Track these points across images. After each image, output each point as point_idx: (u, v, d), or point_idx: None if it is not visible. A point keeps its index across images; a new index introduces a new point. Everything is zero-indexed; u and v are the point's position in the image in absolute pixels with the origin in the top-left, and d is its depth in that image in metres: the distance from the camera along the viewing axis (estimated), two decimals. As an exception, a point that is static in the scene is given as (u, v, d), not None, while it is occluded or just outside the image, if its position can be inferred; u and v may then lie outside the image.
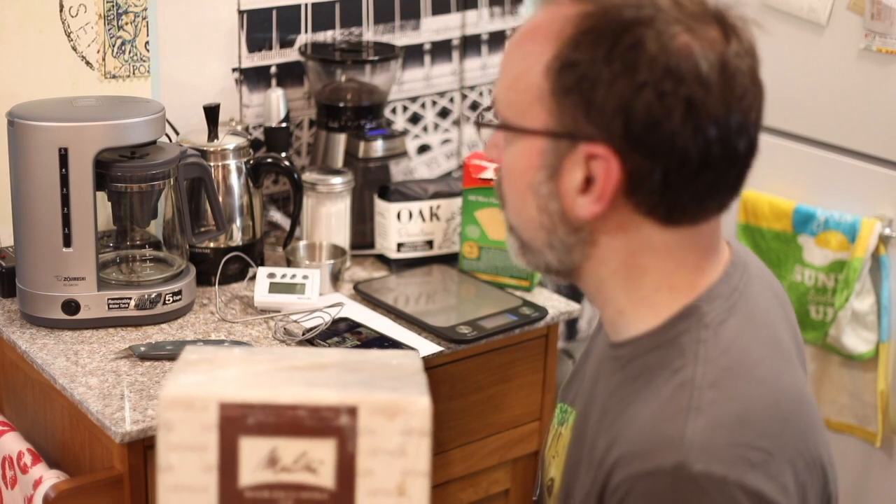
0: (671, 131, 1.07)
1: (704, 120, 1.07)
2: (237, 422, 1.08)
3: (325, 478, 1.09)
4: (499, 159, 1.18)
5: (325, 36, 2.30)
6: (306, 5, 2.27)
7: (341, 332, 1.87)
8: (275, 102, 2.18)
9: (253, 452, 1.09)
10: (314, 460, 1.09)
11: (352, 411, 1.08)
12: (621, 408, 1.14)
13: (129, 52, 2.06)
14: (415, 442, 1.09)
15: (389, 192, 2.14)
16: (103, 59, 2.04)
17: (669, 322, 1.14)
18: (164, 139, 1.91)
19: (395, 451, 1.09)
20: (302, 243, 2.11)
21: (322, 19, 2.29)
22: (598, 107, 1.08)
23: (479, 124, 1.20)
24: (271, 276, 1.97)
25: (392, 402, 1.09)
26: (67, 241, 1.78)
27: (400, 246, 2.15)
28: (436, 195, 2.18)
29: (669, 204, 1.10)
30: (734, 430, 1.07)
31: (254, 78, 2.23)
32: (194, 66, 2.16)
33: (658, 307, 1.15)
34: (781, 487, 1.07)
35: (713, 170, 1.09)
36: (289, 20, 2.25)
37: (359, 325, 1.90)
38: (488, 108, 1.20)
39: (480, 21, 2.51)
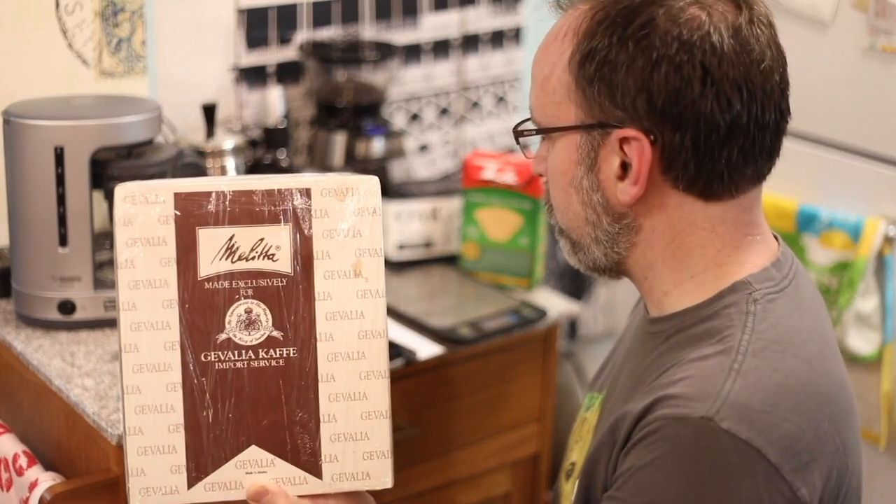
0: (692, 100, 1.10)
1: (724, 84, 1.11)
2: (193, 212, 1.12)
3: (283, 263, 1.13)
4: (546, 170, 1.22)
5: (324, 33, 2.29)
6: (305, 3, 2.25)
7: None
8: (273, 101, 2.17)
9: (211, 242, 1.12)
10: (271, 246, 1.13)
11: (305, 193, 1.13)
12: (663, 370, 1.15)
13: (126, 50, 2.05)
14: (367, 221, 1.14)
15: (389, 192, 2.13)
16: (99, 58, 2.03)
17: (718, 295, 1.16)
18: (161, 138, 1.90)
19: (349, 232, 1.14)
20: (301, 243, 2.10)
21: (321, 17, 2.28)
22: (620, 90, 1.12)
23: (518, 133, 1.23)
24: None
25: (343, 183, 1.14)
26: (63, 241, 1.77)
27: (400, 246, 2.14)
28: (436, 195, 2.17)
29: (706, 175, 1.13)
30: (771, 398, 1.08)
31: (252, 76, 2.22)
32: (192, 65, 2.15)
33: (706, 284, 1.17)
34: (801, 467, 1.08)
35: (743, 135, 1.13)
36: (287, 18, 2.24)
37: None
38: (525, 120, 1.23)
39: (480, 19, 2.50)
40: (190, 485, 1.13)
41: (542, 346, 2.06)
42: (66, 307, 1.79)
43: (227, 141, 2.04)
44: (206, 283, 1.12)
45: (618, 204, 1.16)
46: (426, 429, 1.92)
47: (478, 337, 1.92)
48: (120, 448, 1.57)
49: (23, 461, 1.69)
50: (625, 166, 1.14)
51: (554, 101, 1.16)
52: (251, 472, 1.13)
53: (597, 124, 1.14)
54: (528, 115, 1.23)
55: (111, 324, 1.81)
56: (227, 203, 1.12)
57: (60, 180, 1.75)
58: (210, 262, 1.12)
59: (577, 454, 1.31)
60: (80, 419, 1.63)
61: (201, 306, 1.12)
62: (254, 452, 1.14)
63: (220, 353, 1.13)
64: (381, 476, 1.16)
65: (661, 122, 1.11)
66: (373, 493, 1.20)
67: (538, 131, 1.20)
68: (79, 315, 1.80)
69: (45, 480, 1.63)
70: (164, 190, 1.12)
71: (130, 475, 1.12)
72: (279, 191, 1.13)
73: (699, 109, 1.11)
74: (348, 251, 1.15)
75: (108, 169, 1.79)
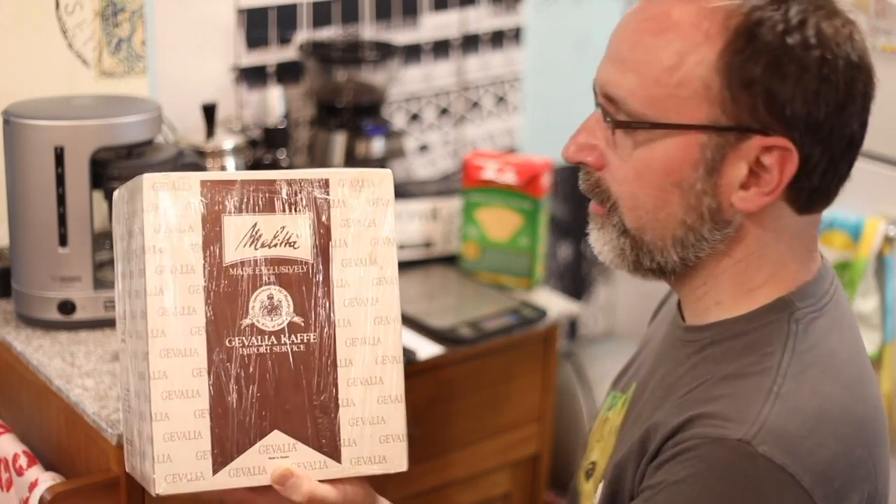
0: (848, 117, 1.10)
1: (868, 103, 1.13)
2: (218, 200, 1.15)
3: (304, 251, 1.17)
4: (597, 162, 1.15)
5: (324, 33, 2.29)
6: (305, 3, 2.25)
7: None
8: (273, 101, 2.17)
9: (235, 230, 1.15)
10: (292, 234, 1.17)
11: (323, 184, 1.18)
12: (698, 383, 1.13)
13: (126, 50, 2.05)
14: (382, 211, 1.20)
15: (389, 191, 2.13)
16: (99, 58, 2.03)
17: (759, 311, 1.14)
18: (161, 138, 1.89)
19: (365, 221, 1.19)
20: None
21: (321, 17, 2.28)
22: (784, 99, 1.08)
23: (620, 124, 1.12)
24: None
25: (358, 174, 1.20)
26: (63, 241, 1.77)
27: (400, 247, 2.14)
28: (436, 195, 2.17)
29: (825, 188, 1.13)
30: (808, 423, 1.07)
31: (252, 76, 2.22)
32: (192, 65, 2.14)
33: (757, 299, 1.15)
34: (833, 493, 1.07)
35: (857, 150, 1.14)
36: (287, 18, 2.24)
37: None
38: (610, 105, 1.14)
39: (480, 19, 2.50)
40: (215, 470, 1.14)
41: (542, 346, 2.06)
42: (66, 307, 1.79)
43: (227, 141, 2.03)
44: (230, 269, 1.15)
45: (730, 211, 1.11)
46: (426, 429, 1.91)
47: (478, 337, 1.92)
48: (120, 448, 1.57)
49: (23, 461, 1.68)
50: (751, 173, 1.10)
51: (680, 94, 1.09)
52: (274, 457, 1.15)
53: (738, 128, 1.09)
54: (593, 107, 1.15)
55: (111, 324, 1.81)
56: (250, 192, 1.15)
57: (60, 180, 1.74)
58: (234, 249, 1.15)
59: (597, 454, 1.30)
60: (80, 419, 1.63)
61: (226, 292, 1.14)
62: (276, 437, 1.15)
63: (243, 338, 1.15)
64: (397, 459, 1.18)
65: (811, 134, 1.08)
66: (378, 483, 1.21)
67: (654, 125, 1.10)
68: (79, 315, 1.80)
69: (45, 480, 1.62)
70: (191, 178, 1.15)
71: (156, 461, 1.12)
72: (299, 181, 1.17)
73: (848, 126, 1.10)
74: (364, 240, 1.18)
75: (108, 169, 1.79)
